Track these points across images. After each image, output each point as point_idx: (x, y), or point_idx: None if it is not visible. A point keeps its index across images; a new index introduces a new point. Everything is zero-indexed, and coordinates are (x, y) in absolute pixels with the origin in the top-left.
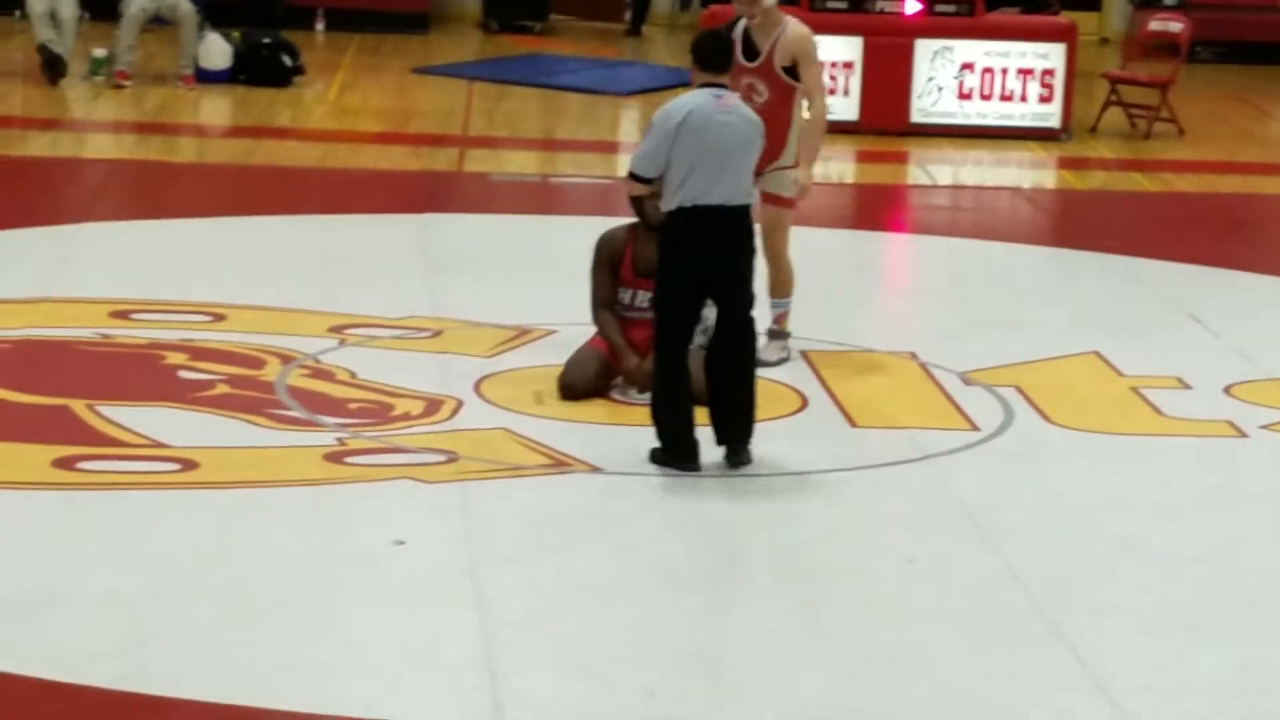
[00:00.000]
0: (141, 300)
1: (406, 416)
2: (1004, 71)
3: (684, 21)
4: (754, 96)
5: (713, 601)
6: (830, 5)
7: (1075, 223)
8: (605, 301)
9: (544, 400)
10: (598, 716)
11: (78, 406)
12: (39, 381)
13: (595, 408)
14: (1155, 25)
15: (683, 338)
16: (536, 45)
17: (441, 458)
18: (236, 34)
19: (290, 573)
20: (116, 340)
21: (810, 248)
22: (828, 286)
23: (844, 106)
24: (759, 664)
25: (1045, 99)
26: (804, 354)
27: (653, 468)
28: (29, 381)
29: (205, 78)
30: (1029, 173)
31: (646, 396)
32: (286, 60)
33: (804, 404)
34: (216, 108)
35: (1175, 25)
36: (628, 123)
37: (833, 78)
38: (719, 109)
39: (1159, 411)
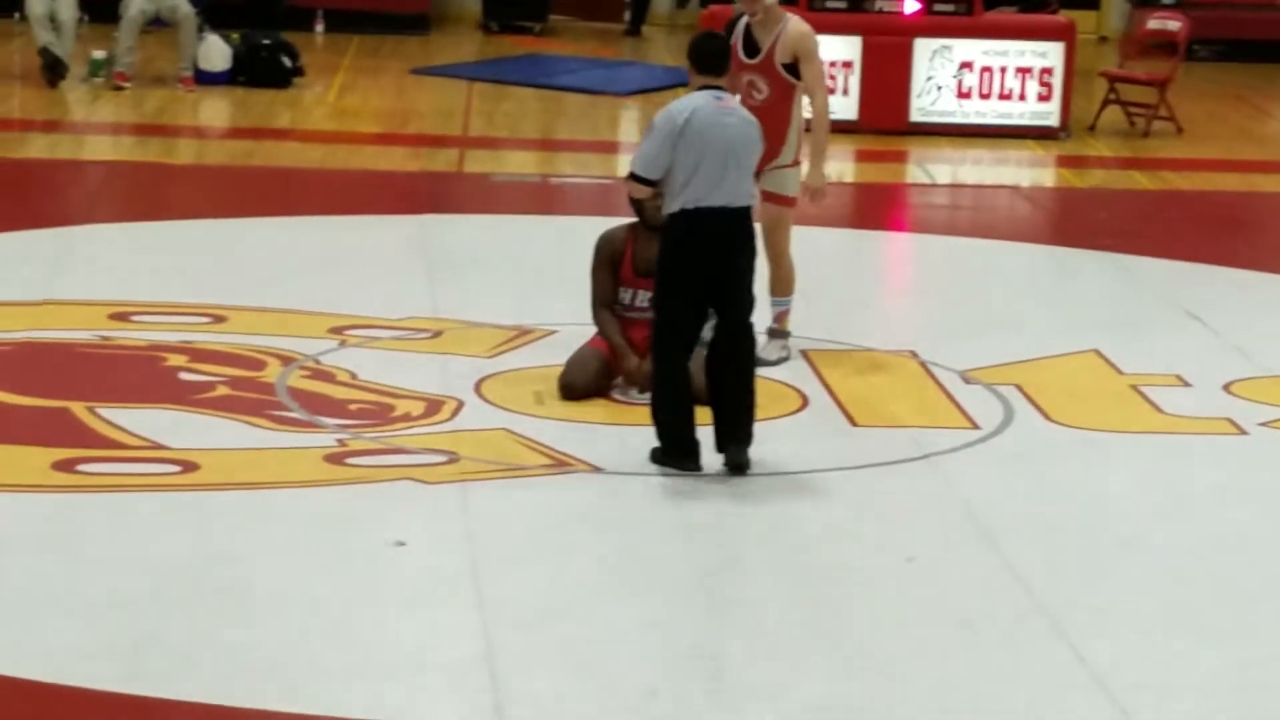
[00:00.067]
0: (141, 302)
1: (407, 417)
2: (1003, 70)
3: (683, 21)
4: (754, 94)
5: (713, 601)
6: (829, 4)
7: (1074, 221)
8: (605, 301)
9: (544, 400)
10: (598, 716)
11: (78, 409)
12: (39, 384)
13: (595, 408)
14: (1153, 24)
15: (682, 340)
16: (536, 46)
17: (442, 458)
18: (236, 36)
19: (291, 574)
20: (116, 342)
21: (810, 247)
22: (827, 286)
23: (843, 106)
24: (760, 663)
25: (1044, 98)
26: (804, 353)
27: (653, 468)
28: (29, 384)
29: (205, 79)
30: (1028, 171)
31: (647, 396)
32: (286, 62)
33: (804, 403)
34: (216, 109)
35: (1173, 23)
36: (627, 123)
37: (832, 77)
38: (720, 111)
39: (1159, 409)
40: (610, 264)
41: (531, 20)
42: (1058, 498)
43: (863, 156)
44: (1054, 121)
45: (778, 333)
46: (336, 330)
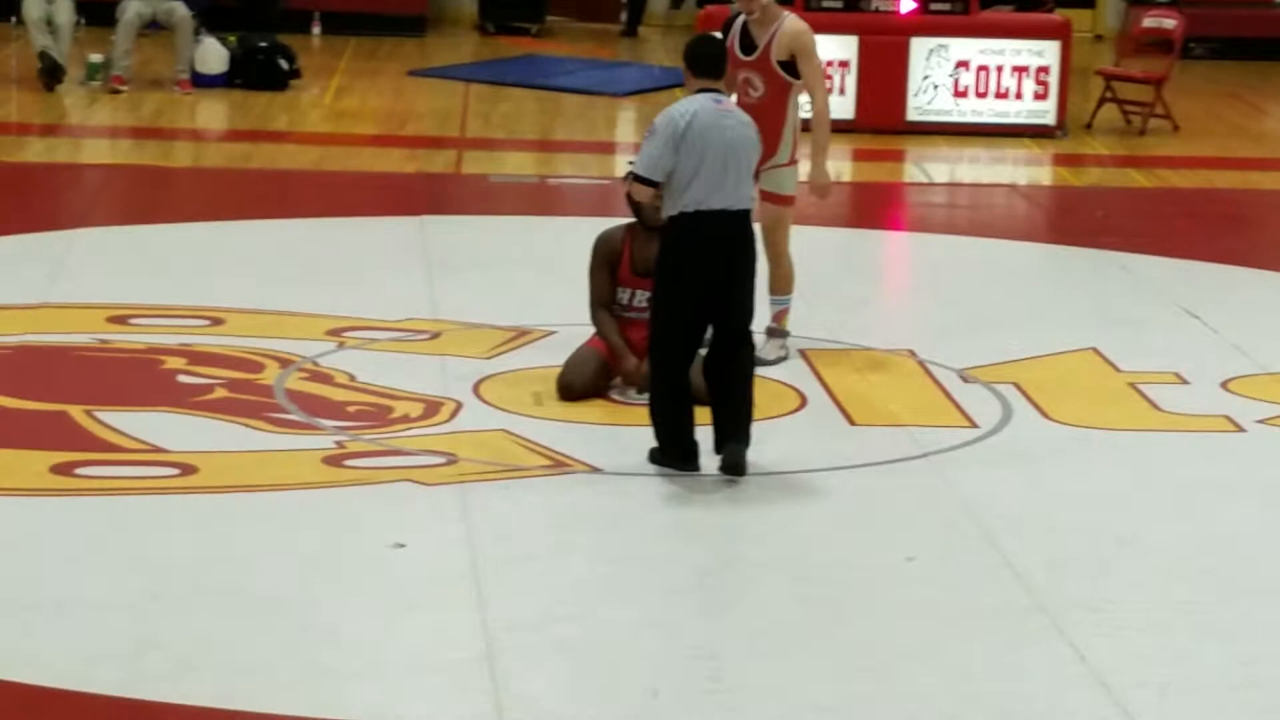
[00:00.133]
0: (139, 305)
1: (406, 419)
2: (999, 69)
3: (679, 22)
4: (750, 91)
5: (713, 601)
6: (825, 4)
7: (1071, 219)
8: (604, 302)
9: (543, 401)
10: (599, 718)
11: (76, 412)
12: (37, 387)
13: (594, 408)
14: (1149, 22)
15: (681, 343)
16: (533, 47)
17: (441, 460)
18: (232, 38)
19: (290, 577)
20: (114, 345)
21: (808, 246)
22: (825, 285)
23: (840, 105)
24: (760, 664)
25: (1040, 96)
26: (802, 352)
27: (652, 468)
28: (27, 387)
29: (201, 82)
30: (1025, 170)
31: (645, 397)
32: (283, 64)
33: (803, 402)
34: (213, 112)
35: (1169, 22)
36: (624, 123)
37: (828, 76)
38: (720, 114)
39: (1157, 407)
40: (608, 264)
41: (528, 21)
42: (1056, 496)
43: (860, 156)
44: (1050, 120)
45: (776, 332)
46: (335, 332)
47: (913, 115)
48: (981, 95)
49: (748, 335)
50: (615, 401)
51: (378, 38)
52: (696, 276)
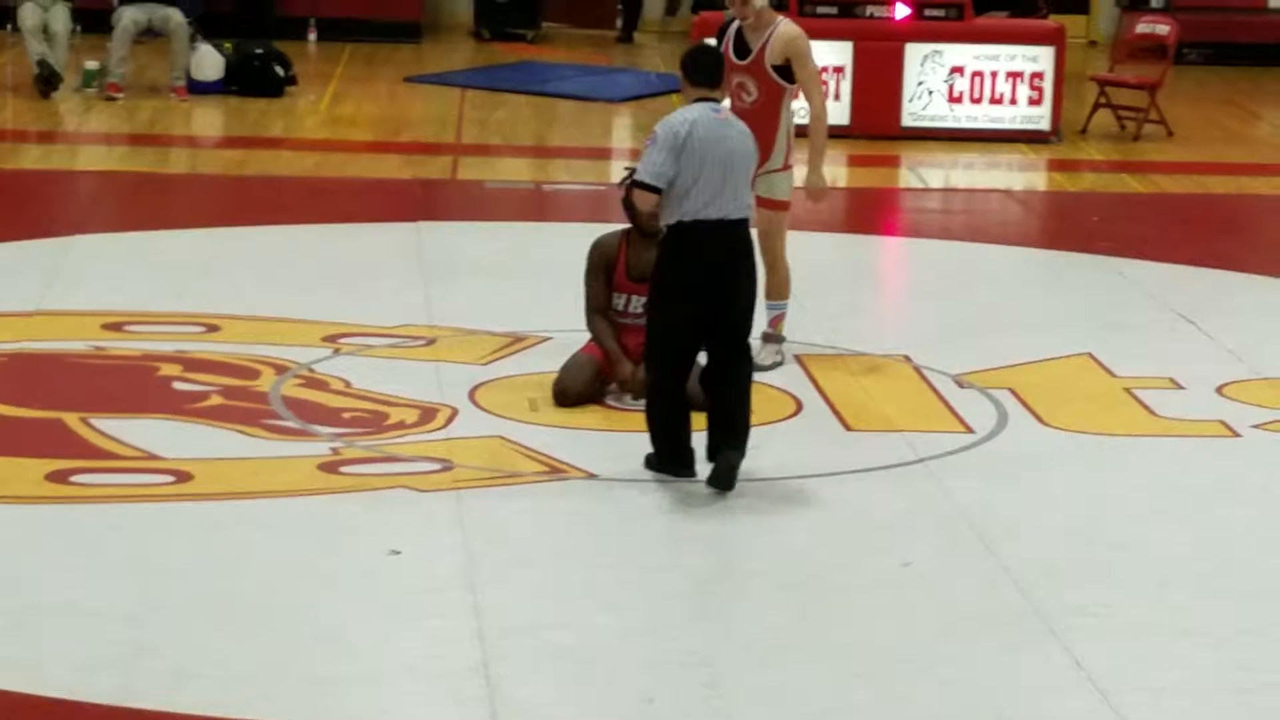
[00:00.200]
0: (135, 312)
1: (401, 425)
2: (993, 75)
3: (675, 28)
4: (743, 96)
5: (709, 607)
6: (821, 10)
7: (1066, 224)
8: (599, 307)
9: (539, 407)
10: None
11: (71, 419)
12: (32, 395)
13: (590, 414)
14: (1143, 28)
15: (678, 351)
16: (528, 53)
17: (437, 466)
18: (228, 45)
19: (286, 584)
20: (110, 352)
21: (803, 251)
22: (821, 290)
23: (835, 111)
24: (756, 669)
25: (1035, 101)
26: (798, 358)
27: (648, 474)
28: (22, 395)
29: (197, 89)
30: (1020, 175)
31: (641, 402)
32: (279, 70)
33: (799, 408)
34: (209, 119)
35: (1162, 27)
36: (620, 129)
37: (824, 82)
38: (719, 123)
39: (1152, 412)
40: (604, 270)
41: (524, 28)
42: (1052, 501)
43: (855, 161)
44: (1045, 125)
45: (772, 337)
46: (330, 338)
47: (908, 121)
48: (976, 101)
49: (746, 345)
50: (611, 407)
51: (374, 44)
52: (695, 286)
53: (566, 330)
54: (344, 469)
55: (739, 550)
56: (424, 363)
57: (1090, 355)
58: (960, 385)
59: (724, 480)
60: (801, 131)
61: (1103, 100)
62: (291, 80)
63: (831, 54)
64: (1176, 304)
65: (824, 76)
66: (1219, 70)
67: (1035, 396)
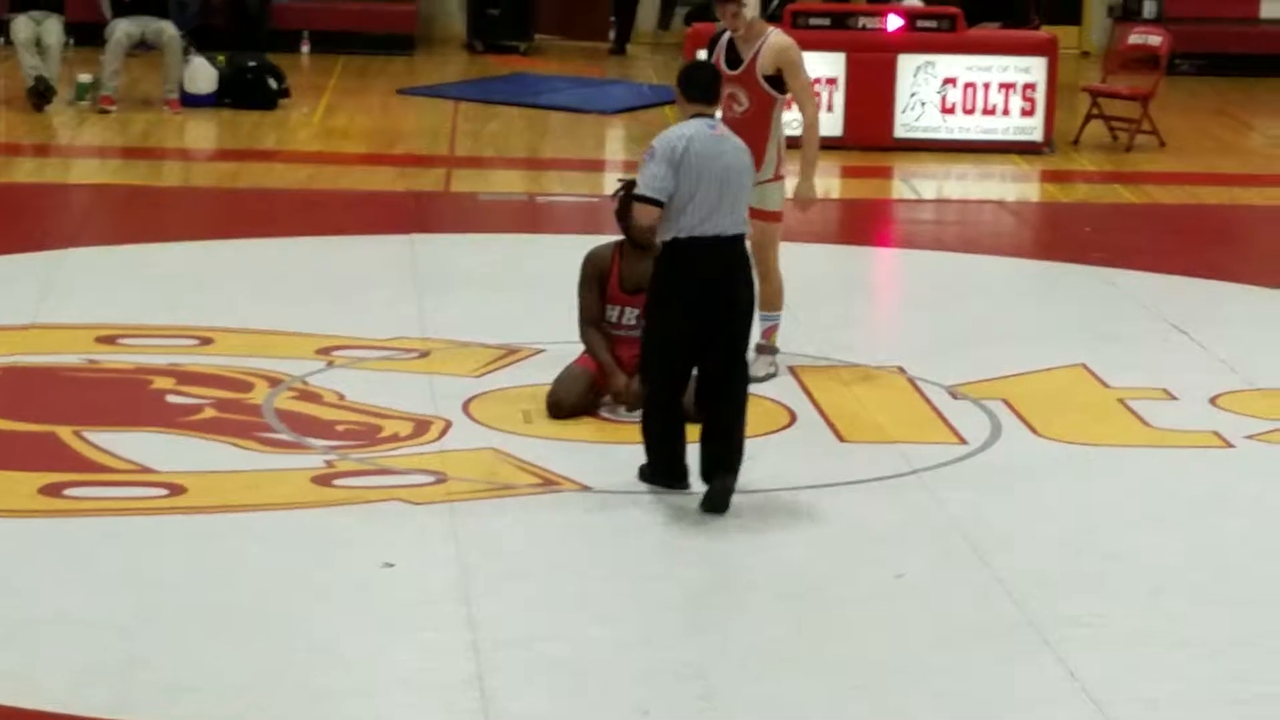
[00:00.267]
0: (128, 325)
1: (395, 438)
2: (986, 86)
3: (668, 40)
4: (734, 106)
5: (703, 619)
6: (813, 22)
7: (1059, 235)
8: (593, 319)
9: (532, 419)
10: None
11: (64, 433)
12: (25, 408)
13: (584, 426)
14: (1135, 39)
15: (673, 365)
16: (521, 65)
17: (430, 479)
18: (221, 58)
19: (280, 596)
20: (103, 365)
21: (797, 262)
22: (814, 301)
23: (828, 122)
24: (751, 681)
25: (1027, 113)
26: (791, 369)
27: (642, 486)
28: (15, 408)
29: (190, 102)
30: (1012, 186)
31: (635, 414)
32: (272, 83)
33: (792, 419)
34: (202, 131)
35: (1155, 38)
36: (613, 141)
37: (816, 94)
38: (715, 139)
39: (1145, 423)
40: (597, 281)
41: (517, 40)
42: (1046, 512)
43: (848, 172)
44: (1038, 136)
45: (766, 349)
46: (324, 351)
47: (900, 132)
48: (969, 112)
49: (743, 359)
50: (605, 419)
51: (367, 56)
52: (691, 304)
53: (560, 342)
54: (337, 482)
55: (733, 562)
56: (417, 375)
57: (1084, 366)
58: (954, 396)
59: (718, 504)
60: (793, 143)
61: (1095, 111)
62: (284, 93)
63: (824, 65)
64: (1170, 314)
65: (817, 88)
66: (1211, 81)
67: (1028, 407)
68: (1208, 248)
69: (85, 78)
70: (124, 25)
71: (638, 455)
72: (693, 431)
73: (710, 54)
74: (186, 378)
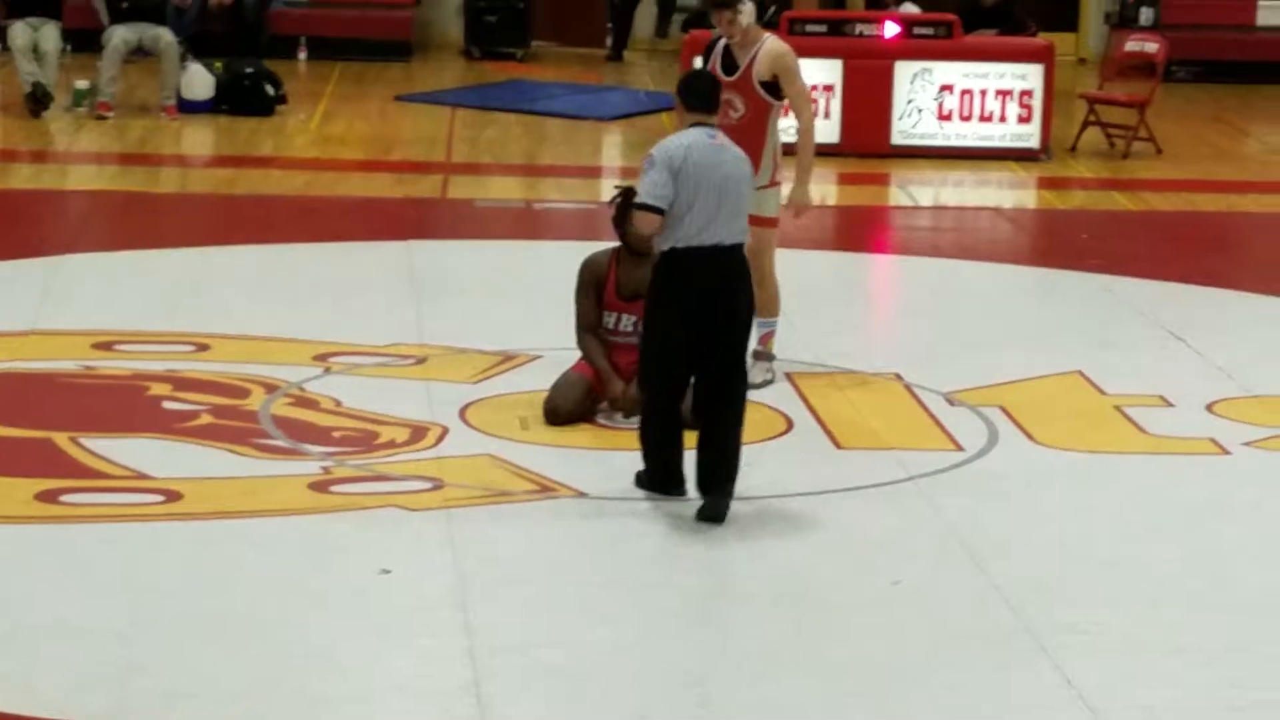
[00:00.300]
0: (125, 331)
1: (392, 444)
2: (983, 93)
3: (665, 47)
4: (730, 112)
5: (701, 624)
6: (810, 29)
7: (1056, 242)
8: (590, 326)
9: (529, 426)
10: None
11: (60, 439)
12: (21, 414)
13: (581, 432)
14: (1131, 45)
15: (671, 372)
16: (518, 71)
17: (427, 485)
18: (219, 64)
19: (276, 602)
20: (100, 372)
21: (793, 269)
22: (811, 308)
23: (825, 129)
24: (749, 687)
25: (1024, 119)
26: (788, 375)
27: (639, 492)
28: (11, 414)
29: (188, 108)
30: (1009, 193)
31: (632, 421)
32: (269, 89)
33: (789, 426)
34: (199, 138)
35: (1151, 45)
36: (610, 147)
37: (813, 100)
38: (714, 149)
39: (1142, 430)
40: (594, 288)
41: (514, 46)
42: (1043, 519)
43: (845, 179)
44: (1034, 143)
45: (762, 355)
46: (320, 357)
47: (897, 139)
48: (966, 119)
49: (742, 367)
50: (602, 426)
51: (364, 63)
52: (689, 314)
53: (557, 348)
54: (334, 488)
55: (731, 569)
56: (414, 381)
57: (1080, 373)
58: (950, 403)
59: (715, 515)
60: (789, 150)
61: (1092, 118)
62: (282, 99)
63: (821, 72)
64: (1166, 321)
65: (814, 95)
66: (1208, 88)
67: (1025, 414)
68: (1204, 254)
69: (82, 84)
70: (121, 31)
71: (635, 462)
72: (690, 438)
73: (706, 60)
74: (183, 384)
